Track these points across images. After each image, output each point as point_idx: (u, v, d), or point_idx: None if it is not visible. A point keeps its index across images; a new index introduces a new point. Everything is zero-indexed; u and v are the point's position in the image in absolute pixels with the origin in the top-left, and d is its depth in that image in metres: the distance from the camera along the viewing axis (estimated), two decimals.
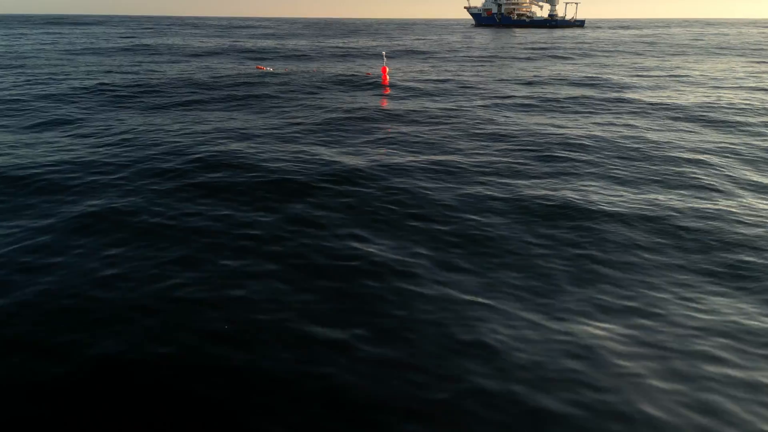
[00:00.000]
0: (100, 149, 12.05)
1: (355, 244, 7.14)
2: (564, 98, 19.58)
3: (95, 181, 9.79)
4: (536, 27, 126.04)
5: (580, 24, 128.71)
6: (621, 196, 9.10)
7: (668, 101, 18.77)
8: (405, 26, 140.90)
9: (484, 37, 77.27)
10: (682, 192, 9.40)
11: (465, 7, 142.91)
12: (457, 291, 5.88)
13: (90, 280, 5.97)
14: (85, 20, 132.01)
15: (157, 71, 26.97)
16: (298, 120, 15.30)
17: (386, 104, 18.44)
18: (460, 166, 10.85)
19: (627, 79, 25.20)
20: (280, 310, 5.39)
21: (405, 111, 16.82)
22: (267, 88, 21.34)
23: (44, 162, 10.88)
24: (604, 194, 9.15)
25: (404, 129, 14.37)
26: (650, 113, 16.81)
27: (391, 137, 13.39)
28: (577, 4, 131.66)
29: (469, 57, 40.94)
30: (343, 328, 5.06)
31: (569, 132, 13.95)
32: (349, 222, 7.86)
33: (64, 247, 6.95)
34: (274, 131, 13.77)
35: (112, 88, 20.53)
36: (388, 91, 21.03)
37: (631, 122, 15.44)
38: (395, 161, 10.98)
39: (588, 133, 13.85)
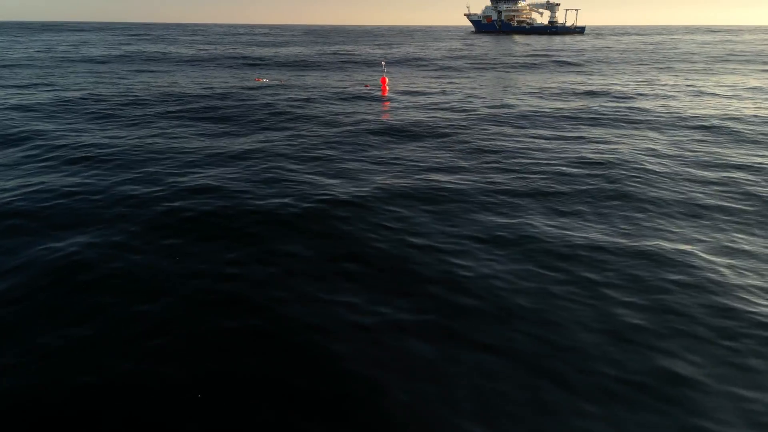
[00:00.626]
0: (74, 168, 11.04)
1: (342, 299, 5.99)
2: (578, 110, 18.61)
3: (62, 211, 8.75)
4: (536, 34, 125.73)
5: (580, 30, 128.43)
6: (666, 230, 8.06)
7: (690, 114, 17.80)
8: (405, 33, 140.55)
9: (485, 43, 76.58)
10: (737, 225, 8.36)
11: (465, 14, 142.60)
12: (476, 375, 4.84)
13: (30, 358, 4.94)
14: (83, 27, 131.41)
15: (147, 81, 26.02)
16: (291, 137, 14.30)
17: (386, 117, 17.48)
18: (467, 187, 9.85)
19: (642, 89, 24.26)
20: (248, 413, 4.36)
21: (405, 125, 15.84)
22: (260, 101, 20.37)
23: (7, 186, 9.86)
24: (645, 227, 8.11)
25: (405, 146, 13.38)
26: (674, 127, 15.80)
27: (390, 156, 12.40)
28: (577, 11, 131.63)
29: (471, 64, 40.09)
30: None
31: (589, 148, 12.96)
32: (338, 268, 6.75)
33: (6, 307, 5.89)
34: (264, 150, 12.76)
35: (97, 98, 19.56)
36: (388, 104, 20.05)
37: (657, 138, 14.44)
38: (394, 184, 9.97)
39: (611, 148, 12.85)
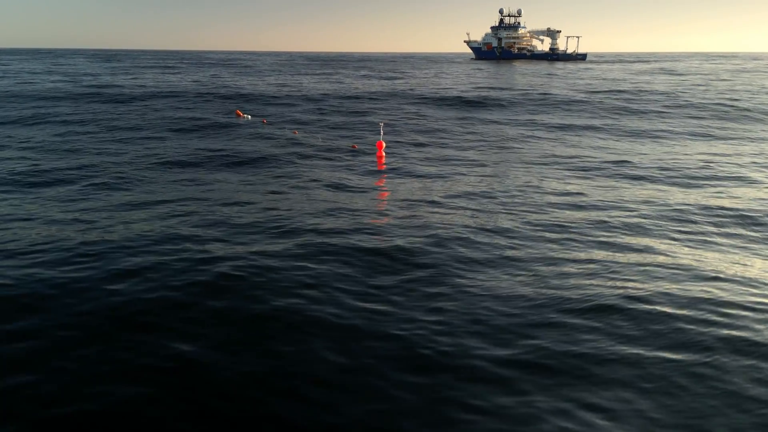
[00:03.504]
0: None
1: None
2: (659, 213, 12.56)
3: None
4: (537, 60, 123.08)
5: (581, 58, 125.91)
6: None
7: None
8: (404, 61, 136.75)
9: (487, 73, 71.67)
10: None
11: (465, 41, 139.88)
12: None
13: None
14: (64, 53, 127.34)
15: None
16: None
17: (382, 207, 11.56)
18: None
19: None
20: None
21: (410, 230, 9.77)
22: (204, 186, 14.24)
23: None
24: None
25: (407, 282, 7.24)
26: None
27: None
28: (578, 38, 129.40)
29: (480, 103, 34.55)
30: None
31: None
32: None
33: None
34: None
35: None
36: (383, 182, 13.98)
37: None
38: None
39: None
